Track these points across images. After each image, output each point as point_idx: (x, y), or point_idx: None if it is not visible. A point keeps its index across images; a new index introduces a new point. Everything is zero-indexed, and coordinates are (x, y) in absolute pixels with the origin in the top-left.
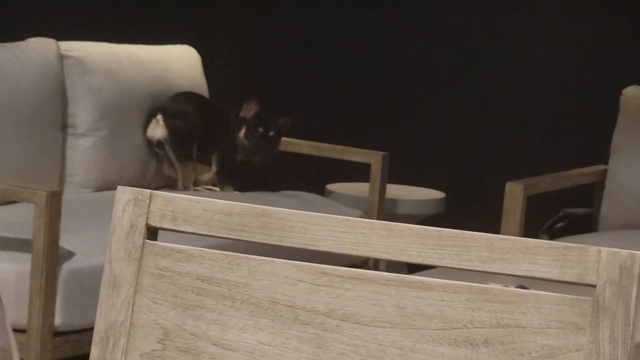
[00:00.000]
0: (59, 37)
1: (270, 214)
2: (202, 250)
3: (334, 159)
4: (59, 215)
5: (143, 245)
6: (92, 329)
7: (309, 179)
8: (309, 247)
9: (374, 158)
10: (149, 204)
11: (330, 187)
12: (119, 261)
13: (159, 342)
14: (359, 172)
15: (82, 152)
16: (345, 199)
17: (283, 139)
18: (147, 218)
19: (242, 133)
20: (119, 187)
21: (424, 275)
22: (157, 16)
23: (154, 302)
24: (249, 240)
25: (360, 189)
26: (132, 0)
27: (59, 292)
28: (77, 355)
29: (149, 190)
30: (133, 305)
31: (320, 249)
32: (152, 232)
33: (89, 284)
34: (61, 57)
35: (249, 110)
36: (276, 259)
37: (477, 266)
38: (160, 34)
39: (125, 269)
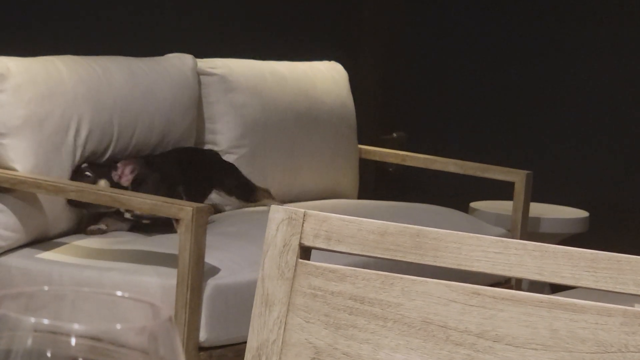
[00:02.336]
0: (203, 54)
1: (425, 234)
2: (355, 269)
3: (478, 177)
4: (205, 230)
5: (296, 264)
6: (236, 344)
7: (453, 196)
8: (462, 268)
9: (517, 176)
10: (303, 223)
11: (474, 204)
12: (272, 280)
13: None
14: (502, 190)
15: None
16: (489, 216)
17: (429, 157)
18: (300, 237)
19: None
20: (273, 206)
21: (564, 295)
22: (302, 32)
23: (306, 321)
24: (403, 260)
25: (503, 207)
26: (276, 16)
27: (204, 308)
28: None
29: (303, 210)
30: (285, 324)
31: (474, 269)
32: (305, 252)
33: (234, 300)
34: (201, 75)
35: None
36: (429, 279)
37: (632, 289)
38: (305, 50)
39: (278, 287)
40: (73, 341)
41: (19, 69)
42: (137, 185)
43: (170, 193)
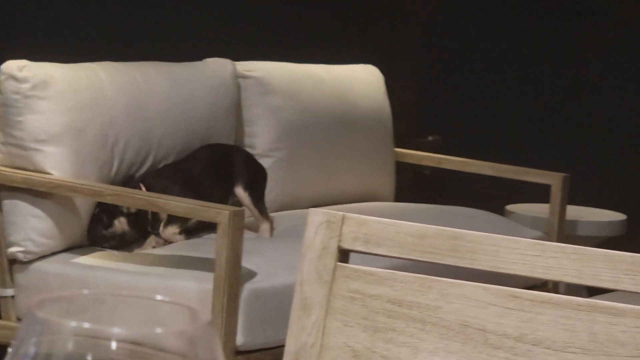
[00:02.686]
0: (239, 57)
1: (462, 236)
2: (393, 272)
3: (514, 179)
4: (242, 234)
5: (335, 267)
6: (273, 348)
7: (489, 199)
8: (499, 271)
9: (554, 179)
10: (341, 226)
11: (509, 207)
12: (311, 283)
13: None
14: (539, 193)
15: None
16: (525, 219)
17: (464, 159)
18: (339, 240)
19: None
20: (311, 210)
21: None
22: (339, 35)
23: (345, 325)
24: (441, 262)
25: (539, 209)
26: (313, 19)
27: (240, 311)
28: None
29: (342, 213)
30: (324, 327)
31: (511, 272)
32: (343, 255)
33: (271, 304)
34: (239, 78)
35: None
36: (467, 282)
37: None
38: (342, 52)
39: (317, 291)
40: (113, 345)
41: (61, 76)
42: None
43: (197, 195)
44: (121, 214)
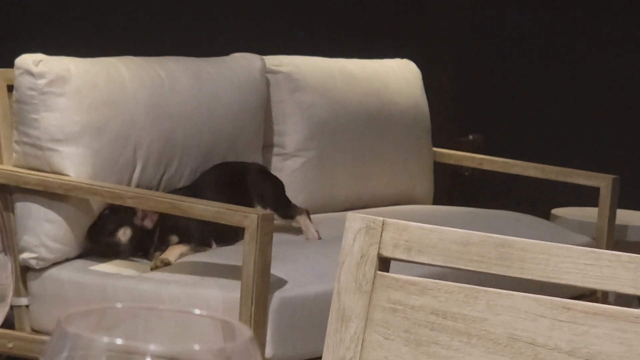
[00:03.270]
0: (268, 51)
1: (510, 244)
2: (437, 282)
3: (560, 182)
4: (271, 240)
5: (374, 276)
6: None
7: (534, 202)
8: (550, 280)
9: (603, 181)
10: (381, 232)
11: (555, 211)
12: (349, 293)
13: None
14: (586, 196)
15: (290, 174)
16: (572, 224)
17: (507, 160)
18: (379, 248)
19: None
20: (349, 214)
21: None
22: (373, 28)
23: (385, 338)
24: (487, 272)
25: (588, 213)
26: (345, 11)
27: (269, 322)
28: None
29: (382, 218)
30: (363, 340)
31: (563, 282)
32: (383, 263)
33: (301, 314)
34: (267, 74)
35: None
36: (515, 292)
37: None
38: (376, 47)
39: (355, 302)
40: None
41: (79, 72)
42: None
43: (214, 227)
44: (129, 225)
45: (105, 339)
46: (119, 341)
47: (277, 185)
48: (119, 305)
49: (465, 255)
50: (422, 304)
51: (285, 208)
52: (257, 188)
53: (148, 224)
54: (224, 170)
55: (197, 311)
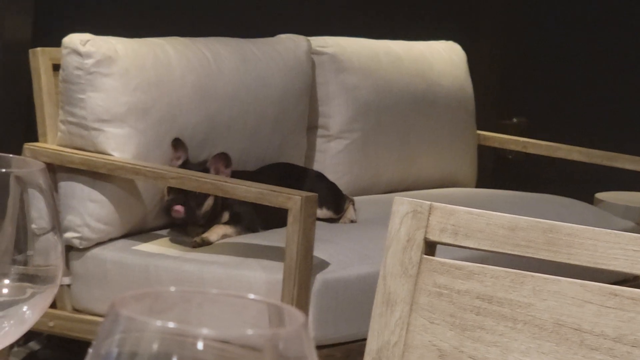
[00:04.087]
0: (312, 32)
1: (558, 229)
2: (483, 267)
3: (605, 166)
4: (314, 221)
5: (420, 260)
6: (345, 343)
7: (578, 186)
8: (598, 266)
9: None
10: (428, 216)
11: (599, 195)
12: (395, 277)
13: None
14: (631, 180)
15: (334, 155)
16: (616, 208)
17: (551, 144)
18: (425, 232)
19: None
20: (396, 198)
21: None
22: (418, 10)
23: (431, 322)
24: (534, 257)
25: (632, 198)
26: None
27: (312, 304)
28: None
29: (429, 202)
30: (408, 324)
31: (611, 268)
32: (430, 247)
33: (344, 296)
34: (311, 55)
35: (178, 159)
36: (562, 277)
37: None
38: (421, 29)
39: (401, 286)
40: (200, 345)
41: (127, 52)
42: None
43: (264, 213)
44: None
45: (158, 323)
46: (171, 325)
47: (334, 189)
48: (172, 289)
49: (513, 240)
50: (467, 288)
51: (339, 206)
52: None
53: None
54: (286, 169)
55: (251, 296)
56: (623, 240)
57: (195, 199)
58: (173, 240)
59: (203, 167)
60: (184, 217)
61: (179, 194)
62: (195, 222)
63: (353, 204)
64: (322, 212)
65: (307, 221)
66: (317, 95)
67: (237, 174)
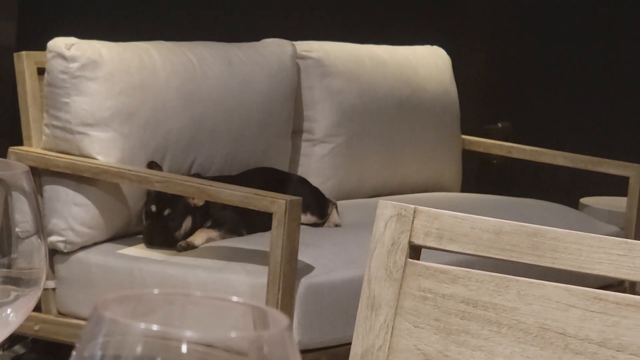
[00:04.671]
0: (297, 36)
1: (542, 233)
2: (468, 271)
3: (589, 171)
4: (299, 225)
5: (405, 264)
6: (330, 347)
7: (563, 191)
8: (582, 271)
9: (632, 171)
10: (413, 220)
11: (584, 200)
12: (379, 281)
13: None
14: (616, 185)
15: (319, 160)
16: (601, 213)
17: (536, 149)
18: (410, 235)
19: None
20: (381, 202)
21: None
22: (403, 14)
23: (415, 326)
24: (519, 261)
25: (617, 203)
26: None
27: (296, 308)
28: None
29: (413, 206)
30: (392, 328)
31: (595, 272)
32: (414, 251)
33: (328, 300)
34: (296, 59)
35: None
36: (547, 282)
37: None
38: (406, 33)
39: (386, 289)
40: (184, 348)
41: (111, 56)
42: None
43: (245, 218)
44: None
45: (142, 325)
46: (155, 327)
47: (317, 193)
48: (155, 291)
49: (497, 244)
50: (452, 292)
51: (323, 210)
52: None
53: (199, 202)
54: (269, 173)
55: (235, 298)
56: (607, 245)
57: (173, 221)
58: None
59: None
60: (162, 241)
61: (155, 219)
62: (173, 244)
63: (336, 208)
64: (307, 218)
65: (291, 225)
66: (302, 99)
67: (219, 179)
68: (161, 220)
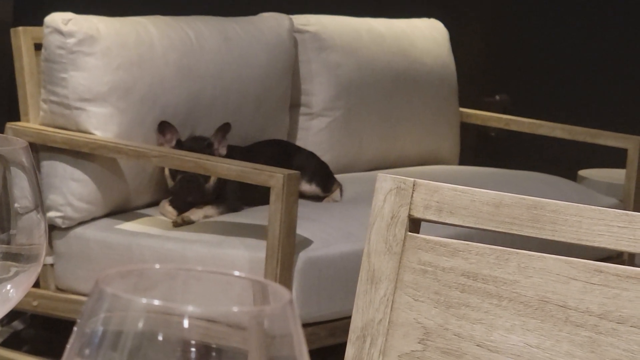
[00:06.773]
0: (294, 10)
1: (542, 206)
2: (468, 244)
3: (587, 143)
4: (297, 199)
5: (405, 238)
6: (329, 321)
7: (561, 163)
8: (583, 243)
9: (631, 143)
10: (412, 193)
11: (582, 172)
12: (379, 255)
13: (419, 342)
14: (614, 157)
15: (316, 133)
16: (599, 185)
17: (534, 121)
18: (409, 209)
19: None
20: (380, 175)
21: None
22: None
23: (415, 300)
24: (519, 233)
25: (615, 175)
26: None
27: (294, 282)
28: (313, 349)
29: (412, 179)
30: (392, 302)
31: (596, 244)
32: (414, 224)
33: (327, 274)
34: (294, 33)
35: (169, 141)
36: (547, 254)
37: None
38: (403, 6)
39: (385, 263)
40: (186, 323)
41: (109, 31)
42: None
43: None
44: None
45: (144, 300)
46: (156, 302)
47: (324, 167)
48: (157, 266)
49: (497, 217)
50: (452, 265)
51: (328, 184)
52: (306, 166)
53: (223, 151)
54: (279, 146)
55: (236, 273)
56: (608, 217)
57: (202, 176)
58: (156, 219)
59: (207, 142)
60: (195, 194)
61: (185, 173)
62: (204, 198)
63: (341, 189)
64: (311, 188)
65: (289, 199)
66: (300, 73)
67: (230, 149)
68: (191, 174)
